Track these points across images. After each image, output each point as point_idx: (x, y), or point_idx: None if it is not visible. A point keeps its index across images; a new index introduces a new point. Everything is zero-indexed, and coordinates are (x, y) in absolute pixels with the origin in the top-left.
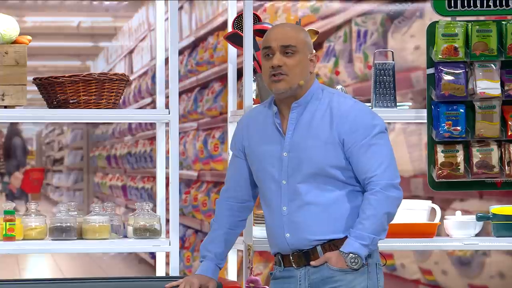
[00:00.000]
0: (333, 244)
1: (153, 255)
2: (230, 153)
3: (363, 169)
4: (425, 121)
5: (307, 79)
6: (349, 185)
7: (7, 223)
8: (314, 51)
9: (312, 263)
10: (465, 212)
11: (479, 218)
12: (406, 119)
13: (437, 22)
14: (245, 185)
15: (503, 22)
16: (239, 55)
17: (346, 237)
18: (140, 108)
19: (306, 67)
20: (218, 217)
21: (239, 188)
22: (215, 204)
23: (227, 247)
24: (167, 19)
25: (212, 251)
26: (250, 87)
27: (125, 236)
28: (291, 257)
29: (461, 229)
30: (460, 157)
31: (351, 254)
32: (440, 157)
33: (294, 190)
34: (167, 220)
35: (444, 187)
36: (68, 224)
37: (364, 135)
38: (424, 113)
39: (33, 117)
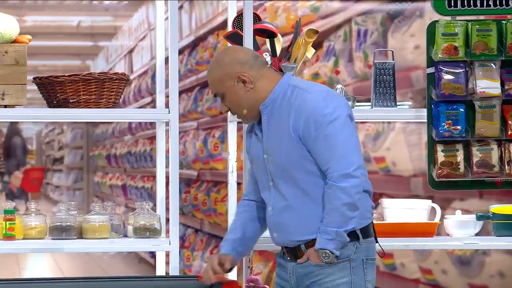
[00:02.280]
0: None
1: (153, 255)
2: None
3: (319, 162)
4: (425, 120)
5: (249, 102)
6: (319, 185)
7: (7, 222)
8: (238, 71)
9: (298, 261)
10: (465, 211)
11: (479, 218)
12: (406, 119)
13: (437, 21)
14: (256, 187)
15: (503, 22)
16: None
17: None
18: (140, 107)
19: (239, 95)
20: (237, 212)
21: (250, 188)
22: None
23: (245, 234)
24: (167, 18)
25: (229, 239)
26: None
27: (125, 236)
28: (284, 250)
29: (461, 229)
30: (460, 157)
31: (321, 250)
32: (440, 157)
33: (278, 191)
34: (167, 220)
35: (444, 187)
36: (68, 224)
37: (315, 127)
38: (424, 112)
39: (33, 117)
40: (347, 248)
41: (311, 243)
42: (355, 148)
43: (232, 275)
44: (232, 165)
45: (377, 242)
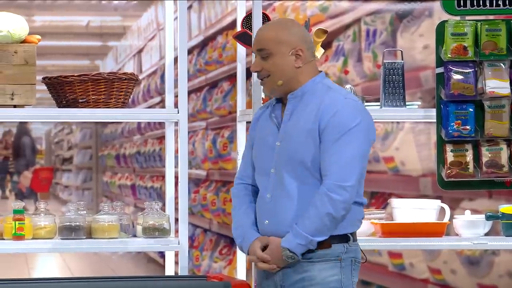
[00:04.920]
0: None
1: (162, 254)
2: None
3: (322, 164)
4: (434, 120)
5: (290, 76)
6: (320, 184)
7: (17, 222)
8: (299, 45)
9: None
10: (474, 211)
11: (488, 218)
12: (415, 118)
13: (446, 21)
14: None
15: None
16: (248, 54)
17: None
18: (149, 107)
19: (286, 66)
20: (236, 199)
21: (250, 173)
22: (231, 192)
23: (254, 217)
24: (176, 18)
25: (248, 223)
26: (259, 86)
27: (134, 235)
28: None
29: (470, 229)
30: (469, 157)
31: (288, 251)
32: (449, 157)
33: (279, 179)
34: (176, 219)
35: (453, 187)
36: (77, 223)
37: (334, 132)
38: (433, 112)
39: (42, 117)
40: (337, 248)
41: None
42: (359, 166)
43: (241, 275)
44: None
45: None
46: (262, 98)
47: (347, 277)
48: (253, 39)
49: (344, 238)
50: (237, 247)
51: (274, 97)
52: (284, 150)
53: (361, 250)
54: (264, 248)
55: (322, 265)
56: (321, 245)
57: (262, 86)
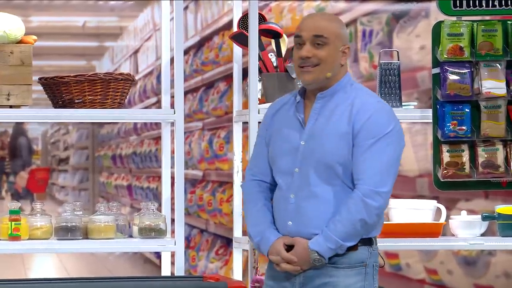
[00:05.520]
0: None
1: (158, 255)
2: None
3: (355, 169)
4: (431, 120)
5: (335, 71)
6: (348, 187)
7: (13, 222)
8: (347, 44)
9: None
10: (471, 212)
11: (484, 218)
12: (411, 119)
13: (442, 21)
14: (271, 170)
15: (508, 22)
16: (244, 54)
17: None
18: (145, 107)
19: (336, 59)
20: (250, 196)
21: (268, 171)
22: (242, 189)
23: (271, 215)
24: (172, 18)
25: (267, 222)
26: (256, 87)
27: (131, 236)
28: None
29: (466, 229)
30: (465, 157)
31: (316, 254)
32: (446, 157)
33: (304, 179)
34: (173, 220)
35: (450, 187)
36: (74, 224)
37: (370, 136)
38: (429, 112)
39: (39, 117)
40: (362, 252)
41: None
42: (394, 172)
43: (238, 276)
44: (238, 165)
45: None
46: (259, 98)
47: (370, 283)
48: (249, 38)
49: (368, 242)
50: (254, 246)
51: (310, 88)
52: (311, 150)
53: (379, 254)
54: (288, 249)
55: (347, 271)
56: (347, 249)
57: (303, 74)
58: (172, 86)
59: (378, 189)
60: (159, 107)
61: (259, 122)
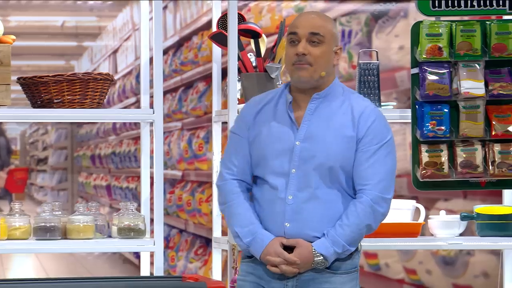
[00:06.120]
0: None
1: (137, 255)
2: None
3: (360, 174)
4: (410, 120)
5: (329, 71)
6: (345, 191)
7: None
8: (340, 45)
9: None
10: (449, 211)
11: (463, 218)
12: (390, 119)
13: (421, 22)
14: (250, 170)
15: (487, 22)
16: (223, 54)
17: None
18: (125, 107)
19: (330, 59)
20: (233, 195)
21: (247, 171)
22: (221, 189)
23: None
24: (151, 18)
25: (256, 222)
26: (235, 87)
27: (110, 236)
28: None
29: (445, 229)
30: (444, 157)
31: (321, 257)
32: (424, 157)
33: (304, 181)
34: (152, 220)
35: (428, 187)
36: (52, 224)
37: (374, 142)
38: (408, 112)
39: (17, 117)
40: (355, 257)
41: None
42: (394, 178)
43: (217, 276)
44: (217, 165)
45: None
46: (238, 98)
47: (358, 286)
48: (229, 38)
49: (357, 247)
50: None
51: (303, 87)
52: (311, 151)
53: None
54: (285, 250)
55: (343, 277)
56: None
57: (298, 71)
58: (151, 86)
59: (384, 195)
60: (138, 107)
61: None
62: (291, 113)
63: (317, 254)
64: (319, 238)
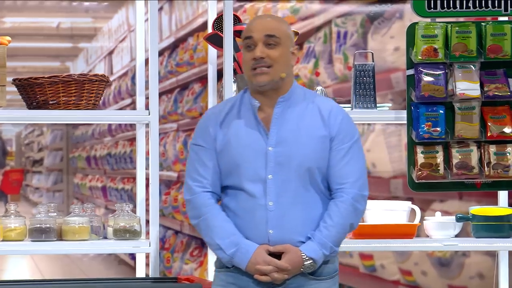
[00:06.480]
0: None
1: (133, 256)
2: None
3: (337, 173)
4: (405, 122)
5: (289, 72)
6: (322, 191)
7: None
8: (295, 45)
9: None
10: (445, 213)
11: (458, 219)
12: (386, 120)
13: (416, 23)
14: (219, 181)
15: (482, 24)
16: (219, 56)
17: None
18: (120, 109)
19: (289, 60)
20: (207, 208)
21: (217, 182)
22: (192, 202)
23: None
24: (147, 20)
25: (237, 233)
26: (230, 88)
27: (105, 237)
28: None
29: (440, 230)
30: (439, 158)
31: (310, 260)
32: (420, 158)
33: (283, 186)
34: (147, 221)
35: (424, 188)
36: (48, 225)
37: (346, 140)
38: (404, 114)
39: (13, 118)
40: (336, 260)
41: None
42: (366, 174)
43: (212, 277)
44: None
45: None
46: None
47: None
48: (224, 39)
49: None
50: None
51: (264, 90)
52: (286, 156)
53: None
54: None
55: (328, 282)
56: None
57: (257, 76)
58: (146, 87)
59: (363, 192)
60: (134, 108)
61: None
62: (260, 118)
63: (307, 258)
64: (303, 242)
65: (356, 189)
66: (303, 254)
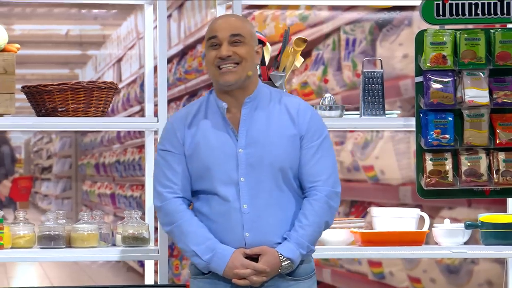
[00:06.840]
0: None
1: (141, 263)
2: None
3: (308, 171)
4: (414, 129)
5: (254, 70)
6: (295, 191)
7: None
8: (259, 44)
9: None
10: (454, 220)
11: (467, 226)
12: (394, 127)
13: (425, 30)
14: (189, 186)
15: (491, 31)
16: None
17: None
18: (129, 116)
19: (254, 58)
20: (179, 214)
21: (187, 187)
22: (163, 209)
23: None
24: (155, 27)
25: (212, 238)
26: None
27: (114, 245)
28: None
29: (449, 237)
30: (448, 165)
31: (288, 261)
32: (429, 165)
33: (256, 188)
34: (156, 228)
35: (433, 195)
36: (57, 233)
37: (315, 137)
38: (412, 121)
39: (22, 125)
40: (311, 260)
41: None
42: (337, 170)
43: None
44: None
45: None
46: None
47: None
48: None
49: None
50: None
51: (231, 89)
52: (257, 157)
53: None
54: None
55: (306, 282)
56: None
57: (223, 75)
58: (155, 95)
59: (336, 189)
60: (143, 115)
61: None
62: (228, 120)
63: (284, 259)
64: (280, 243)
65: (329, 187)
66: (280, 255)
